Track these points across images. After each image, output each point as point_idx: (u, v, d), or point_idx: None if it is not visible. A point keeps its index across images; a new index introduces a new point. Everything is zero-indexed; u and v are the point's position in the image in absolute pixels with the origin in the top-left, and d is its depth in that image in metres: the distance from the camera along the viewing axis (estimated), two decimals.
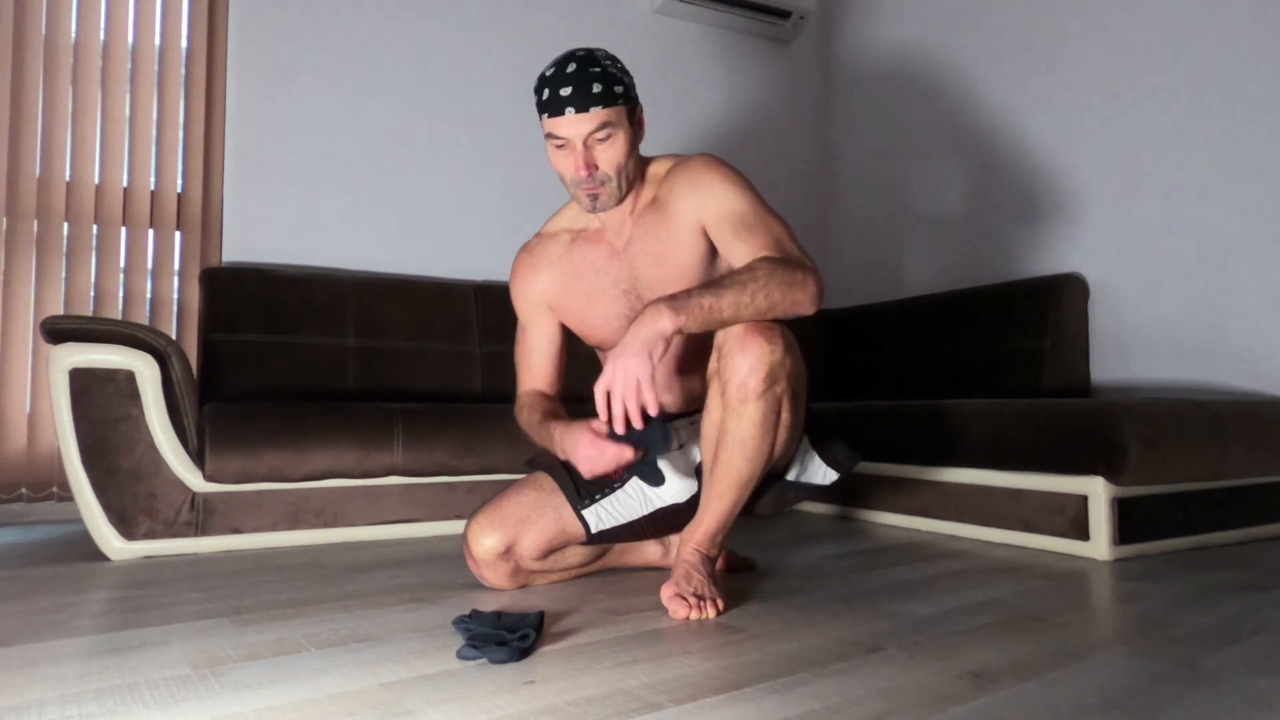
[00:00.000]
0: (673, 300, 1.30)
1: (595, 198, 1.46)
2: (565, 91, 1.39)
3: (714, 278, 1.43)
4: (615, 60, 1.46)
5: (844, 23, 3.87)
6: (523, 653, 1.14)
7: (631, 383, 1.26)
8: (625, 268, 1.54)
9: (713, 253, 1.51)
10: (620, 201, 1.49)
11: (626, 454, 1.36)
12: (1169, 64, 2.61)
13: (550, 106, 1.40)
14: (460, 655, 1.15)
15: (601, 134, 1.41)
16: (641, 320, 1.29)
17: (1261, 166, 2.40)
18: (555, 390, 1.66)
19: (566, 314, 1.62)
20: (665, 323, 1.27)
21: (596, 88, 1.39)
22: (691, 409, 1.64)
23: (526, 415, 1.61)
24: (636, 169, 1.51)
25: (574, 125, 1.40)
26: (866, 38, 3.74)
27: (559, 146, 1.43)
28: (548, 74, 1.42)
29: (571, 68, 1.40)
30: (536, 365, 1.65)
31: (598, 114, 1.39)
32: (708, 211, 1.46)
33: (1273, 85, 2.38)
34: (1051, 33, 2.95)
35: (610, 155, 1.43)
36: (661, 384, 1.60)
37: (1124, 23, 2.73)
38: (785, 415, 1.39)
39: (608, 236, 1.57)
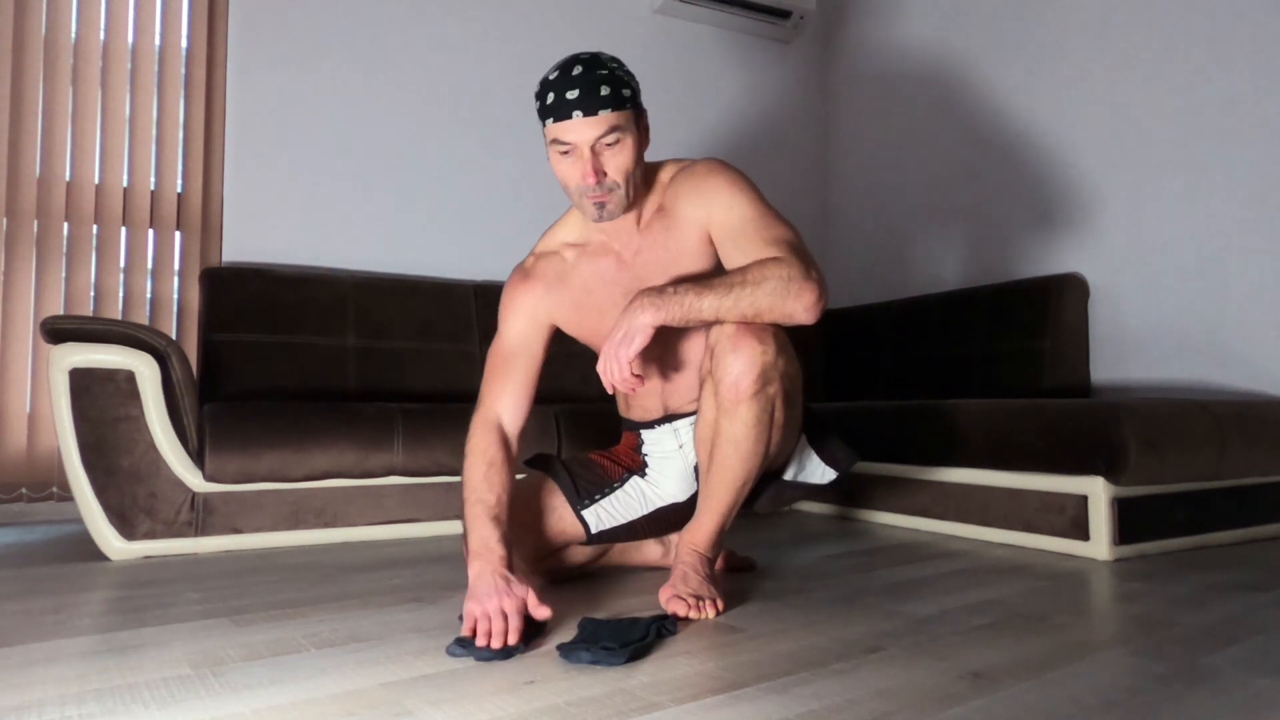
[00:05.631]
0: (659, 294, 1.32)
1: (602, 206, 1.40)
2: (572, 94, 1.33)
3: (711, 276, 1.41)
4: (621, 64, 1.41)
5: (844, 23, 3.87)
6: (508, 653, 1.15)
7: (615, 366, 1.32)
8: (634, 278, 1.50)
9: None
10: (627, 210, 1.45)
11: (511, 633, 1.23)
12: (1170, 64, 2.61)
13: (556, 111, 1.35)
14: (449, 651, 1.16)
15: (610, 138, 1.35)
16: (627, 312, 1.33)
17: (1262, 167, 2.40)
18: (519, 423, 1.51)
19: (577, 328, 1.58)
20: (646, 317, 1.31)
21: (604, 90, 1.34)
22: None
23: (472, 462, 1.44)
24: (643, 178, 1.47)
25: (582, 130, 1.34)
26: (867, 38, 3.74)
27: (564, 153, 1.38)
28: (551, 78, 1.36)
29: (577, 70, 1.35)
30: (513, 387, 1.51)
31: (606, 117, 1.34)
32: (713, 218, 1.44)
33: (1273, 85, 2.38)
34: (1052, 33, 2.95)
35: (619, 161, 1.37)
36: (673, 384, 1.58)
37: (1125, 22, 2.73)
38: (779, 415, 1.38)
39: (614, 248, 1.52)
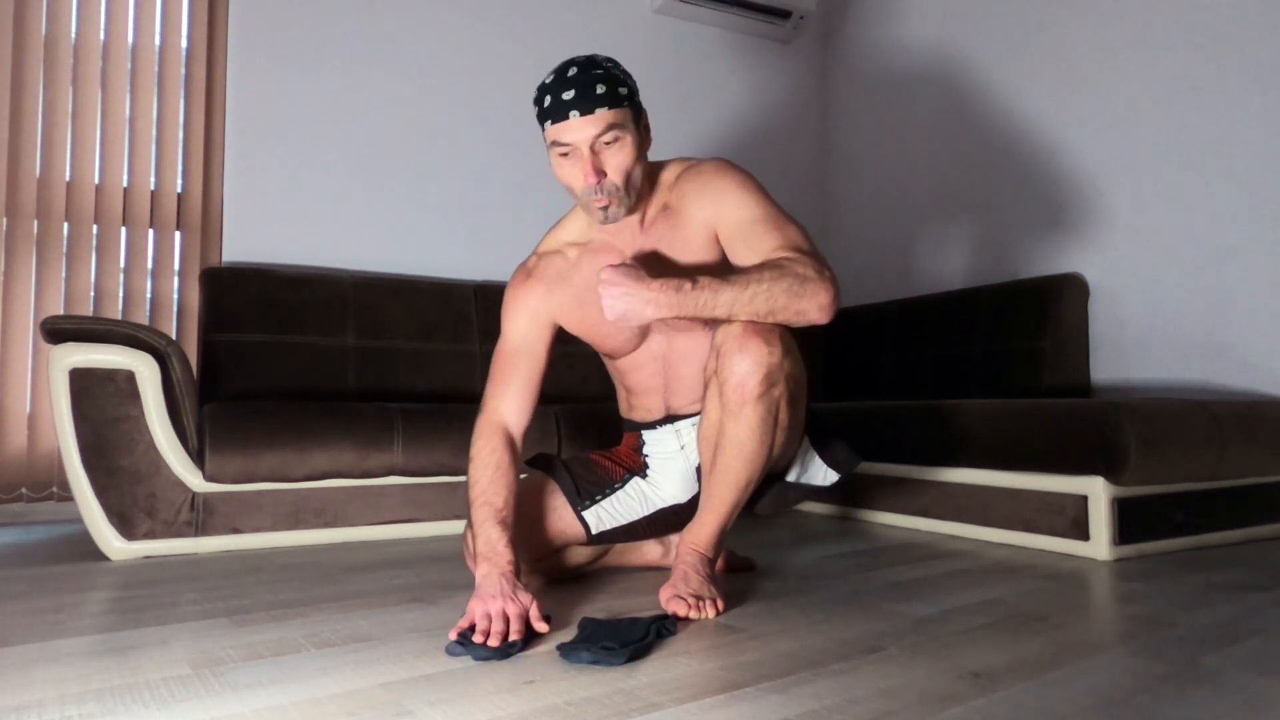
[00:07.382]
0: (676, 290, 1.29)
1: (606, 209, 1.40)
2: (568, 95, 1.33)
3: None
4: (617, 64, 1.41)
5: (844, 23, 3.87)
6: (505, 652, 1.15)
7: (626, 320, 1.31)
8: None
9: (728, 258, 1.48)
10: (631, 211, 1.44)
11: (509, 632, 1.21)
12: (1170, 64, 2.61)
13: (553, 112, 1.35)
14: (449, 651, 1.17)
15: (608, 136, 1.35)
16: (640, 289, 1.29)
17: (1262, 167, 2.40)
18: (524, 424, 1.51)
19: (579, 326, 1.57)
20: (650, 311, 1.29)
21: (600, 89, 1.34)
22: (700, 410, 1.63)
23: (479, 465, 1.44)
24: (646, 178, 1.46)
25: (579, 129, 1.34)
26: (867, 37, 3.74)
27: (564, 155, 1.38)
28: (547, 81, 1.37)
29: (573, 72, 1.35)
30: (517, 388, 1.51)
31: (603, 115, 1.34)
32: (721, 218, 1.43)
33: (1273, 85, 2.38)
34: (1053, 33, 2.95)
35: (618, 161, 1.37)
36: (676, 384, 1.58)
37: (1125, 23, 2.73)
38: (784, 417, 1.38)
39: (618, 246, 1.52)
